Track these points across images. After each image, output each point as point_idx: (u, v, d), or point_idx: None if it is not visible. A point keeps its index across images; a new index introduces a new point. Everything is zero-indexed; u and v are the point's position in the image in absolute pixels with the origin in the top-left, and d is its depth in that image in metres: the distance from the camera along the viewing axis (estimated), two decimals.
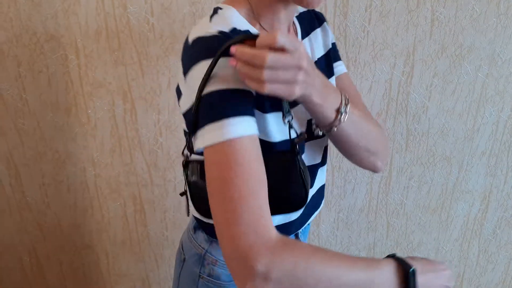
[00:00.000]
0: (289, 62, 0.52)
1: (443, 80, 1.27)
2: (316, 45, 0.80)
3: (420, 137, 1.34)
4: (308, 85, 0.56)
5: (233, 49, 0.52)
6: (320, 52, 0.81)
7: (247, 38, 0.54)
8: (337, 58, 0.86)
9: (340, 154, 0.88)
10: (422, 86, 1.27)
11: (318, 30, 0.82)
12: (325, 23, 0.83)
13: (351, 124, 0.67)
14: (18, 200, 1.47)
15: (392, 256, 0.62)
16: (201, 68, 0.58)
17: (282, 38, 0.51)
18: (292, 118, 0.67)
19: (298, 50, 0.53)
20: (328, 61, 0.82)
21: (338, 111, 0.65)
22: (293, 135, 0.69)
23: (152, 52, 1.25)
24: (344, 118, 0.65)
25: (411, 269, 0.59)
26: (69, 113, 1.34)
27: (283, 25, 0.71)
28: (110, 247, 1.56)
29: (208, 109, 0.58)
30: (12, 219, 1.50)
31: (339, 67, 0.86)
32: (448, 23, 1.20)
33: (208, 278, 0.84)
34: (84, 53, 1.26)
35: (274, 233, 0.56)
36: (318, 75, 0.60)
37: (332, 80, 0.81)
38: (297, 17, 0.81)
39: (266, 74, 0.51)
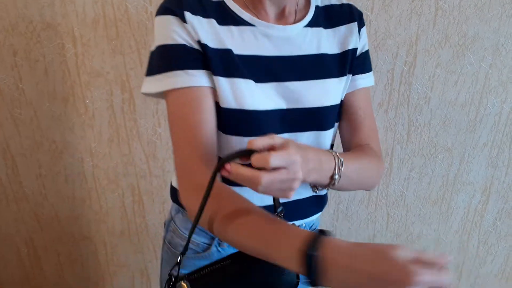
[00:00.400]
0: (284, 177, 0.53)
1: (446, 71, 1.25)
2: (327, 40, 0.76)
3: (422, 128, 1.33)
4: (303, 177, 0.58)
5: (228, 167, 0.54)
6: (332, 49, 0.77)
7: (242, 155, 0.54)
8: (365, 69, 0.81)
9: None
10: (424, 77, 1.26)
11: (343, 28, 0.78)
12: (355, 23, 0.78)
13: (344, 178, 0.68)
14: (15, 191, 1.46)
15: (322, 233, 0.54)
16: (156, 22, 0.69)
17: (275, 159, 0.51)
18: (283, 212, 0.68)
19: (293, 164, 0.53)
20: (342, 61, 0.77)
21: (332, 177, 0.66)
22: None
23: (151, 41, 1.23)
24: (338, 180, 0.66)
25: (310, 253, 0.50)
26: (66, 103, 1.32)
27: (270, 10, 0.72)
28: (108, 238, 1.55)
29: (155, 61, 0.68)
30: (9, 209, 1.49)
31: (362, 80, 0.80)
32: (452, 12, 1.18)
33: (168, 245, 0.87)
34: (82, 41, 1.24)
35: (204, 177, 0.61)
36: (311, 158, 0.60)
37: (342, 79, 0.77)
38: (323, 7, 0.78)
39: (261, 189, 0.53)
